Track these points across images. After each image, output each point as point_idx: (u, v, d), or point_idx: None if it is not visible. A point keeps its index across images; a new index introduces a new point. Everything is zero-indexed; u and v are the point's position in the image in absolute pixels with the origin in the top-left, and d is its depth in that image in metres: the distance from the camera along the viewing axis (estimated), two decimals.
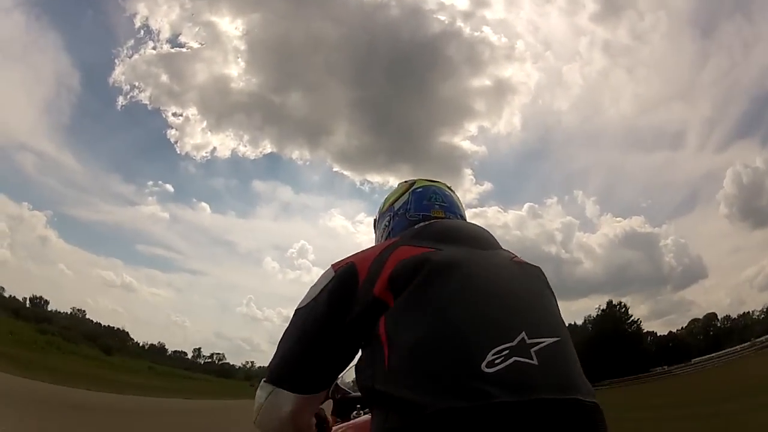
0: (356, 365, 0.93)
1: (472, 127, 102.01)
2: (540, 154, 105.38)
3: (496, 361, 0.74)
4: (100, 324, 58.08)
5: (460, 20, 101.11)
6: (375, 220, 1.37)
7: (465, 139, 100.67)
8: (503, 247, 1.09)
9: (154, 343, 66.17)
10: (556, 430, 0.71)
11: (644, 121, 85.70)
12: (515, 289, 0.91)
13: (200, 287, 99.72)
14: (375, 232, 1.35)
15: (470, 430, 0.70)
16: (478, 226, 1.15)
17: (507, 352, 0.75)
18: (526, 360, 0.75)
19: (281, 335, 1.00)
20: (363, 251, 1.01)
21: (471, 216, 1.35)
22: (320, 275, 1.00)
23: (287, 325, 1.01)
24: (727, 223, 67.84)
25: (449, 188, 1.32)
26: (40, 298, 53.41)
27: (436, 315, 0.82)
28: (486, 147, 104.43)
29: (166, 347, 66.84)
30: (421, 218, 1.19)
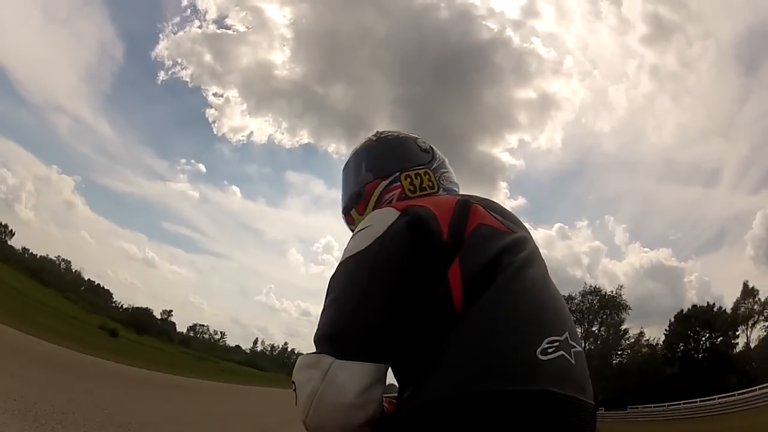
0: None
1: (512, 139, 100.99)
2: (576, 175, 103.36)
3: (549, 350, 0.75)
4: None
5: (510, 29, 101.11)
6: None
7: (504, 150, 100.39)
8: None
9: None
10: (578, 428, 0.73)
11: (681, 154, 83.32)
12: (555, 293, 0.91)
13: (222, 271, 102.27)
14: None
15: (514, 412, 0.69)
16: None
17: (557, 344, 0.77)
18: (569, 357, 0.77)
19: (328, 292, 0.82)
20: (430, 197, 0.98)
21: None
22: (368, 217, 0.90)
23: (334, 276, 0.83)
24: (752, 265, 65.43)
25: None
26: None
27: (507, 294, 0.80)
28: (524, 161, 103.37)
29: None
30: (445, 182, 1.16)
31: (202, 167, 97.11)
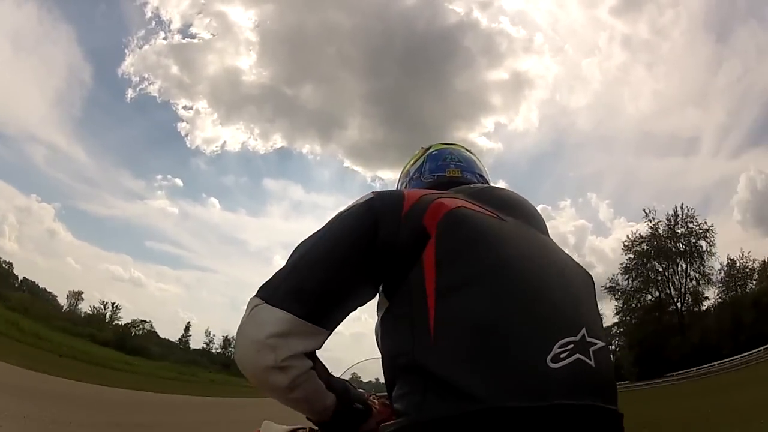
0: (383, 322, 0.82)
1: (488, 123, 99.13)
2: (555, 154, 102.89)
3: (562, 356, 0.68)
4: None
5: (477, 10, 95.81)
6: None
7: (481, 135, 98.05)
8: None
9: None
10: None
11: (658, 126, 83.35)
12: (576, 282, 0.83)
13: (209, 285, 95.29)
14: None
15: (525, 430, 0.64)
16: (532, 205, 1.01)
17: (572, 347, 0.69)
18: (586, 360, 0.70)
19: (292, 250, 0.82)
20: (413, 189, 0.95)
21: None
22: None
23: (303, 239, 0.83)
24: (740, 230, 66.42)
25: (468, 150, 1.25)
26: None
27: (500, 288, 0.72)
28: (502, 144, 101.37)
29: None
30: (436, 179, 1.12)
31: (179, 182, 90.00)
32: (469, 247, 0.75)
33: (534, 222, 0.92)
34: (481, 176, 1.17)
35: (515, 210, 0.91)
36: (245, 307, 0.78)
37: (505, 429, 0.63)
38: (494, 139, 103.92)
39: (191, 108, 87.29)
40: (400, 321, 0.77)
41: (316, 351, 0.79)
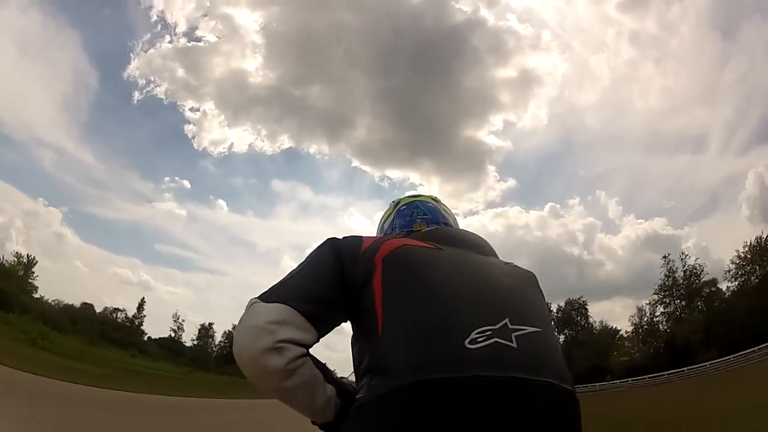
0: (352, 338, 0.99)
1: (497, 121, 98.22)
2: (564, 152, 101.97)
3: (479, 339, 0.82)
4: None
5: (483, 8, 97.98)
6: None
7: (490, 133, 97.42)
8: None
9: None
10: (528, 407, 0.79)
11: (667, 124, 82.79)
12: (505, 283, 0.99)
13: (218, 287, 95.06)
14: None
15: (447, 398, 0.77)
16: (478, 235, 1.20)
17: (489, 333, 0.83)
18: (506, 342, 0.83)
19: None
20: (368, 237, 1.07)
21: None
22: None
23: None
24: (749, 225, 65.41)
25: (434, 200, 1.39)
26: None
27: (429, 293, 0.89)
28: (511, 142, 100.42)
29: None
30: (405, 233, 1.25)
31: (186, 183, 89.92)
32: (406, 271, 0.93)
33: (475, 248, 1.10)
34: (445, 223, 1.31)
35: (456, 242, 1.09)
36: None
37: (429, 396, 0.77)
38: (503, 137, 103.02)
39: (198, 110, 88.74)
40: (360, 337, 0.96)
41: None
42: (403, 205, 1.35)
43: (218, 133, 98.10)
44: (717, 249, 77.08)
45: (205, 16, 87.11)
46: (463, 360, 0.80)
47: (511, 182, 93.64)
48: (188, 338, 60.87)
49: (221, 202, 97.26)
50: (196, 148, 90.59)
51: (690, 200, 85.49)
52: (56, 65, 78.59)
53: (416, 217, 1.30)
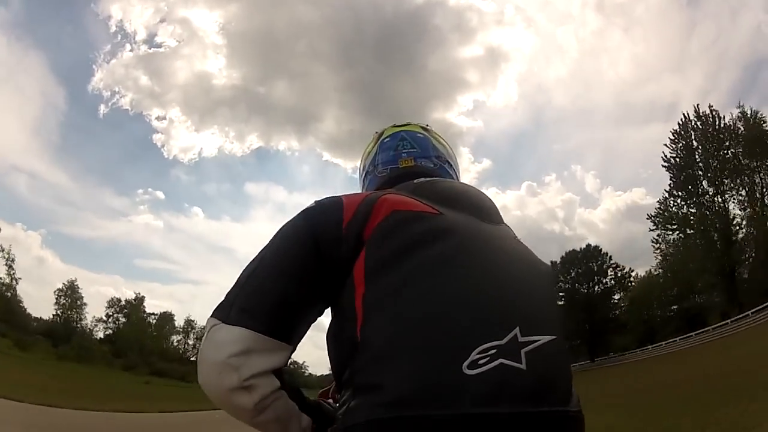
0: (327, 335, 0.81)
1: (466, 101, 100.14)
2: (536, 128, 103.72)
3: (480, 362, 0.65)
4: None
5: None
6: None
7: (459, 114, 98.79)
8: (504, 221, 0.96)
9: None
10: None
11: (637, 95, 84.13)
12: (517, 274, 0.79)
13: (201, 297, 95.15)
14: None
15: None
16: (480, 192, 0.99)
17: (494, 351, 0.66)
18: (514, 363, 0.66)
19: (241, 270, 0.81)
20: (351, 194, 0.87)
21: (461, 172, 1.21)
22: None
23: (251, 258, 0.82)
24: None
25: (424, 129, 1.17)
26: None
27: (423, 292, 0.71)
28: (482, 121, 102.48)
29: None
30: (390, 172, 1.07)
31: (160, 194, 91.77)
32: (395, 256, 0.74)
33: (478, 212, 0.89)
34: (438, 157, 1.12)
35: (457, 202, 0.88)
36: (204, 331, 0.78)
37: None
38: (474, 117, 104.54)
39: (165, 118, 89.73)
40: (338, 335, 0.78)
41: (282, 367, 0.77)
42: (387, 137, 1.15)
43: (187, 139, 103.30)
44: None
45: (163, 21, 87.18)
46: (458, 391, 0.63)
47: (486, 163, 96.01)
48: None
49: (197, 210, 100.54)
50: (166, 156, 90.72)
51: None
52: (24, 89, 77.61)
53: (402, 151, 1.10)
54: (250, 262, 0.81)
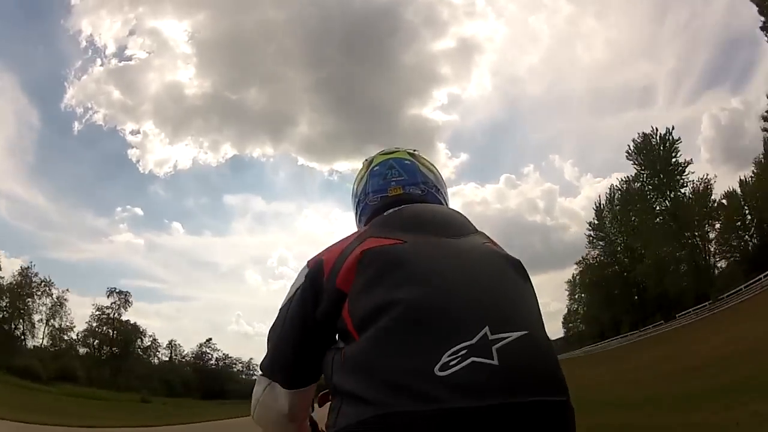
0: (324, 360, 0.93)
1: (440, 95, 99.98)
2: (512, 120, 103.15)
3: (452, 363, 0.71)
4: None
5: None
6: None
7: (435, 109, 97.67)
8: (478, 230, 1.04)
9: None
10: None
11: (611, 82, 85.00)
12: (483, 278, 0.86)
13: (188, 312, 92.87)
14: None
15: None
16: (450, 210, 1.11)
17: (465, 351, 0.72)
18: (485, 360, 0.72)
19: (269, 330, 1.03)
20: (335, 244, 0.99)
21: (449, 195, 1.28)
22: (299, 272, 1.01)
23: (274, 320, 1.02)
24: (710, 169, 68.21)
25: (411, 154, 1.23)
26: None
27: (394, 310, 0.79)
28: (458, 115, 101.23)
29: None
30: (380, 200, 1.14)
31: (139, 211, 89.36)
32: (370, 287, 0.84)
33: (444, 230, 0.97)
34: (425, 183, 1.19)
35: (426, 225, 0.98)
36: (258, 384, 1.05)
37: (397, 429, 0.69)
38: (449, 111, 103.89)
39: (138, 132, 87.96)
40: (332, 355, 0.88)
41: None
42: (376, 165, 1.20)
43: (161, 152, 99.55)
44: None
45: (133, 33, 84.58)
46: (432, 390, 0.69)
47: (464, 157, 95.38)
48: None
49: (176, 225, 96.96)
50: (142, 171, 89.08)
51: None
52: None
53: (390, 180, 1.16)
54: (273, 327, 1.02)
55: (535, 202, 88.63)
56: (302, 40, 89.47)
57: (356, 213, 1.23)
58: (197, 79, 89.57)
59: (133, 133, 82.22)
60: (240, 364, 69.67)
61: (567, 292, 57.40)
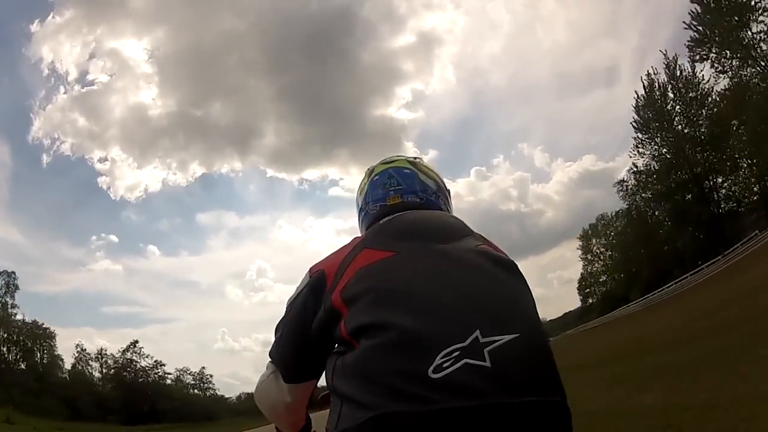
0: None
1: (404, 92, 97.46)
2: (478, 112, 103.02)
3: (445, 365, 0.73)
4: None
5: None
6: None
7: (400, 107, 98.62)
8: (473, 232, 1.05)
9: None
10: None
11: (575, 65, 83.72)
12: (475, 282, 0.87)
13: (174, 334, 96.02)
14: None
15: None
16: (445, 215, 1.16)
17: (458, 353, 0.74)
18: (478, 362, 0.73)
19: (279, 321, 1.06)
20: (334, 253, 1.03)
21: (451, 199, 1.29)
22: (302, 277, 1.04)
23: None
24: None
25: (411, 162, 1.26)
26: None
27: (388, 319, 0.81)
28: (423, 112, 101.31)
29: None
30: (379, 209, 1.18)
31: (114, 238, 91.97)
32: (366, 302, 0.85)
33: (437, 236, 0.99)
34: (423, 191, 1.20)
35: (418, 233, 1.00)
36: (266, 368, 1.09)
37: (393, 430, 0.71)
38: (414, 108, 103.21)
39: (106, 159, 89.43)
40: (333, 360, 0.90)
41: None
42: (377, 174, 1.24)
43: (131, 177, 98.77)
44: None
45: (93, 56, 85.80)
46: (427, 392, 0.71)
47: (432, 153, 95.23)
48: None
49: (152, 248, 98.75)
50: (113, 198, 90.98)
51: (615, 132, 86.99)
52: None
53: (389, 189, 1.20)
54: (280, 322, 1.04)
55: (507, 192, 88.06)
56: (263, 49, 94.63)
57: (360, 220, 1.26)
58: (160, 99, 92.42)
59: (101, 160, 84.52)
60: (189, 376, 58.08)
61: (579, 251, 48.21)
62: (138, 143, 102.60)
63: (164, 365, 56.04)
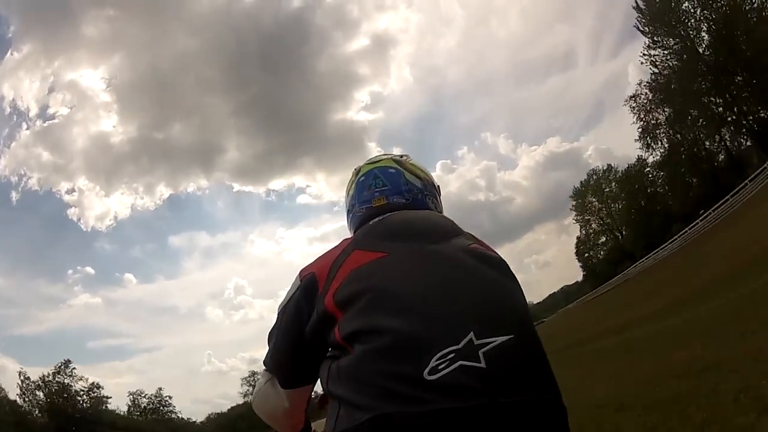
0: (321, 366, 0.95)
1: (363, 95, 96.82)
2: (438, 107, 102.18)
3: (440, 367, 0.74)
4: None
5: None
6: None
7: (360, 110, 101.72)
8: (463, 231, 1.03)
9: None
10: None
11: (531, 53, 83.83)
12: (467, 283, 0.87)
13: (160, 361, 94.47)
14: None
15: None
16: (434, 214, 1.14)
17: (453, 355, 0.74)
18: (473, 363, 0.74)
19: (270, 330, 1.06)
20: (324, 255, 1.02)
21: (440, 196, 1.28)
22: (292, 281, 1.02)
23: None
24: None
25: (397, 161, 1.23)
26: None
27: (383, 323, 0.81)
28: (383, 112, 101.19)
29: None
30: (365, 211, 1.17)
31: (90, 270, 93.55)
32: (360, 306, 0.85)
33: (427, 236, 0.98)
34: (409, 191, 1.19)
35: (408, 234, 0.99)
36: (262, 377, 1.10)
37: (389, 430, 0.72)
38: (374, 110, 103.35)
39: (74, 190, 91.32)
40: (328, 365, 0.90)
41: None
42: (362, 175, 1.23)
43: (99, 206, 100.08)
44: (619, 146, 74.54)
45: (53, 90, 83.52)
46: (423, 393, 0.72)
47: (396, 152, 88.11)
48: None
49: (129, 276, 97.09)
50: (85, 229, 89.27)
51: (577, 113, 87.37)
52: None
53: (374, 190, 1.18)
54: (273, 327, 1.03)
55: (475, 182, 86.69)
56: (218, 66, 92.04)
57: (348, 221, 1.25)
58: (121, 126, 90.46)
59: (69, 192, 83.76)
60: (145, 399, 49.25)
61: (574, 212, 44.18)
62: (103, 171, 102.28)
63: (101, 387, 47.43)
